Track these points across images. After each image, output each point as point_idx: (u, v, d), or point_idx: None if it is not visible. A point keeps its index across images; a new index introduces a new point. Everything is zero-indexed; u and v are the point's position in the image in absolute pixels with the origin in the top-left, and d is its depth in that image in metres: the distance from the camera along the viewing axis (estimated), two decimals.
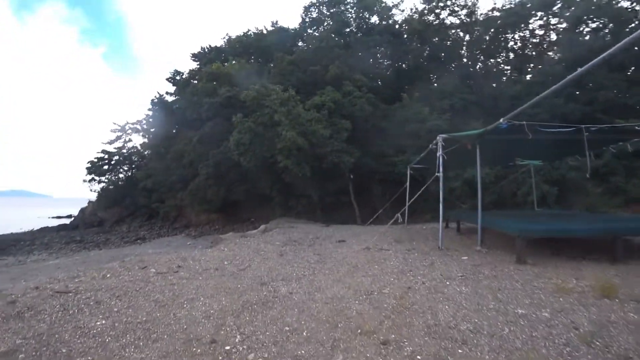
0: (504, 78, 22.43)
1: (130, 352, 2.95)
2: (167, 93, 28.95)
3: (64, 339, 3.17)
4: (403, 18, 24.79)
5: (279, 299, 4.17)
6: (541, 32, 22.38)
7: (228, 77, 20.49)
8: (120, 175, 31.27)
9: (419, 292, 4.23)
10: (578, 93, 17.36)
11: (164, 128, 26.79)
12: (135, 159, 31.09)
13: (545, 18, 21.49)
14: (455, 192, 15.53)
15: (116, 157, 30.60)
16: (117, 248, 18.24)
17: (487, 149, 7.40)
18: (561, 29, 21.27)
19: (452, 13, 22.58)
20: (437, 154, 7.06)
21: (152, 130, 28.44)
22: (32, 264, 12.98)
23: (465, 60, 23.80)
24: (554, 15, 21.11)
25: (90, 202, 32.50)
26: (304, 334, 3.16)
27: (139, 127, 30.29)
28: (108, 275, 5.38)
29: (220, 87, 19.96)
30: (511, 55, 23.21)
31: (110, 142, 30.66)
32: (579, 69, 4.15)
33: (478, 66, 23.62)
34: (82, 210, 33.69)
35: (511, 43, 23.08)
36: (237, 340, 3.08)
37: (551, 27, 22.07)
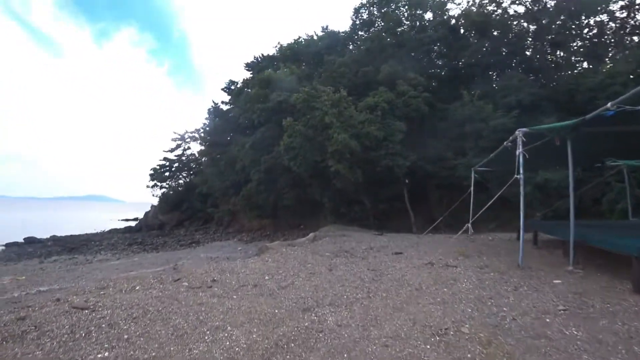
0: (580, 68, 19.93)
1: None
2: (222, 102, 30.02)
3: None
4: (459, 12, 23.29)
5: (324, 334, 3.34)
6: (623, 14, 19.56)
7: (279, 83, 20.59)
8: (180, 182, 33.07)
9: (512, 335, 3.13)
10: None
11: (219, 135, 27.76)
12: (193, 166, 32.65)
13: None
14: (525, 199, 13.88)
15: (176, 164, 32.43)
16: (173, 251, 18.83)
17: (574, 146, 6.22)
18: None
19: (516, 1, 20.67)
20: (517, 152, 6.01)
21: (208, 137, 29.64)
22: (97, 264, 13.72)
23: (531, 52, 21.64)
24: None
25: (152, 206, 34.68)
26: None
27: (197, 135, 31.89)
28: (137, 288, 5.01)
29: (272, 93, 20.11)
30: (586, 43, 20.57)
31: (171, 150, 32.58)
32: None
33: (547, 58, 21.32)
34: (146, 214, 36.08)
35: (586, 30, 20.49)
36: None
37: (636, 6, 19.19)
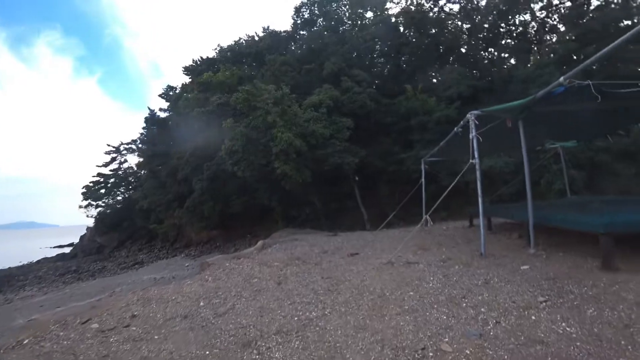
0: (512, 61, 21.07)
1: None
2: (160, 110, 28.03)
3: None
4: (399, 10, 23.71)
5: None
6: (542, 15, 21.10)
7: (220, 86, 19.40)
8: (118, 198, 30.25)
9: (502, 346, 2.57)
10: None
11: (158, 145, 25.79)
12: (132, 180, 30.04)
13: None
14: (470, 186, 14.08)
15: (112, 180, 29.60)
16: (113, 276, 17.05)
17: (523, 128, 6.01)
18: (564, 9, 20.04)
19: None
20: (470, 136, 5.62)
21: (146, 148, 27.42)
22: (18, 302, 11.69)
23: (466, 49, 22.56)
24: None
25: (88, 228, 31.40)
26: None
27: (133, 146, 29.40)
28: (25, 342, 3.77)
29: (212, 96, 18.88)
30: (514, 41, 21.88)
31: (105, 165, 29.71)
32: None
33: (481, 55, 22.37)
34: (82, 238, 32.61)
35: (512, 28, 21.82)
36: None
37: (553, 7, 20.79)
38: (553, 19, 21.04)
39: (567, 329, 2.66)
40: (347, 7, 24.66)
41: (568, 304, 3.10)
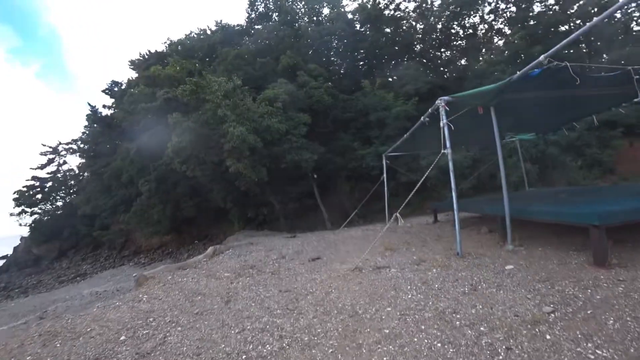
0: (463, 62, 21.63)
1: None
2: (104, 106, 25.78)
3: None
4: (355, 7, 23.52)
5: None
6: (490, 18, 21.93)
7: (168, 80, 18.01)
8: (58, 204, 27.46)
9: None
10: None
11: (101, 145, 23.68)
12: (73, 183, 27.40)
13: (493, 3, 21.10)
14: (430, 181, 14.06)
15: (49, 184, 26.80)
16: (49, 291, 15.35)
17: (482, 123, 5.75)
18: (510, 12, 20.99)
19: None
20: (441, 124, 5.20)
21: (88, 148, 25.09)
22: None
23: (420, 48, 22.85)
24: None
25: (23, 238, 28.27)
26: None
27: (74, 146, 26.84)
28: None
29: (160, 91, 17.47)
30: (464, 42, 22.53)
31: (42, 167, 26.87)
32: None
33: (435, 54, 22.80)
34: (15, 249, 29.32)
35: (461, 31, 22.48)
36: None
37: (500, 11, 21.68)
38: (500, 22, 22.02)
39: (599, 352, 2.10)
40: (303, 2, 24.09)
41: (581, 314, 2.60)
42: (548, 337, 2.36)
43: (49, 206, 26.92)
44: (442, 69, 21.71)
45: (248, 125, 12.06)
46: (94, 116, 24.65)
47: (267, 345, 2.94)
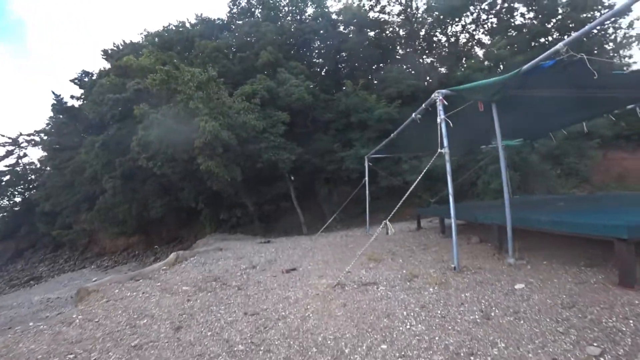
0: (444, 69, 21.61)
1: None
2: (72, 97, 24.22)
3: None
4: (340, 7, 23.17)
5: None
6: (472, 27, 22.10)
7: (141, 71, 16.95)
8: (16, 199, 25.60)
9: None
10: None
11: (66, 137, 22.15)
12: (33, 178, 25.59)
13: (475, 14, 21.25)
14: (410, 186, 13.69)
15: (7, 177, 24.89)
16: None
17: (473, 127, 5.28)
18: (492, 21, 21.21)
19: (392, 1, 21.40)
20: (438, 120, 4.64)
21: (52, 140, 23.46)
22: None
23: (403, 54, 22.74)
24: (483, 10, 20.98)
25: None
26: None
27: (37, 138, 25.09)
28: None
29: (131, 81, 16.41)
30: (446, 51, 22.59)
31: None
32: None
33: (418, 61, 22.74)
34: None
35: (444, 39, 22.56)
36: None
37: (481, 21, 21.89)
38: (481, 32, 22.27)
39: None
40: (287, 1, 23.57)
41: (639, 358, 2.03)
42: None
43: (5, 202, 25.12)
44: (425, 73, 21.61)
45: (222, 121, 11.29)
46: (59, 106, 23.10)
47: None
